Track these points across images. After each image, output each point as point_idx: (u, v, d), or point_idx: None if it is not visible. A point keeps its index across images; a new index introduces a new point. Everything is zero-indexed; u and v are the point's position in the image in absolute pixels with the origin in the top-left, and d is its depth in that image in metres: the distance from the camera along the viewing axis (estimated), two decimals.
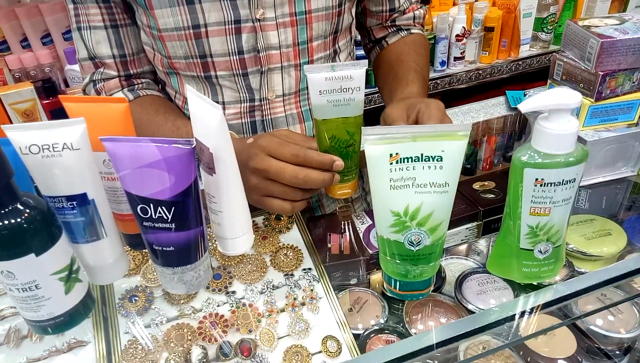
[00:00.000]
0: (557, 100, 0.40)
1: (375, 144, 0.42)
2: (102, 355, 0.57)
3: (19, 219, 0.41)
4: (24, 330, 0.58)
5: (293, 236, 0.70)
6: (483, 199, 0.77)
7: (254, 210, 0.61)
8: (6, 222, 0.41)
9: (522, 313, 0.49)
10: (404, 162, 0.42)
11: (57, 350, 0.57)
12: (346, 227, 0.74)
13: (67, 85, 1.54)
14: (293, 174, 0.58)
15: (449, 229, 0.79)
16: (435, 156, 0.42)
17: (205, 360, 0.57)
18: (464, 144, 0.42)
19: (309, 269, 0.67)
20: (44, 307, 0.45)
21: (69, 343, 0.57)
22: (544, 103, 0.41)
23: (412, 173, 0.42)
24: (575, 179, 0.44)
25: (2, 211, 0.40)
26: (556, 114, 0.41)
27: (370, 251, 0.72)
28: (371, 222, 0.78)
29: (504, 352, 0.61)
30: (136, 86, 0.80)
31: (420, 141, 0.42)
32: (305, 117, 0.82)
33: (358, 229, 0.75)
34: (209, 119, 0.45)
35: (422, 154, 0.42)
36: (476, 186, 0.80)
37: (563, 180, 0.43)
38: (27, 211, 0.42)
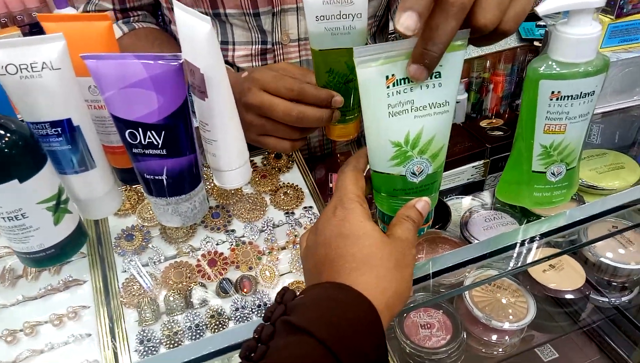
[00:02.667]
0: None
1: (368, 67, 0.38)
2: (99, 292, 0.56)
3: None
4: (19, 270, 0.56)
5: (293, 176, 0.68)
6: (490, 136, 0.74)
7: (253, 149, 0.58)
8: None
9: (526, 242, 0.47)
10: (400, 84, 0.38)
11: (53, 289, 0.55)
12: None
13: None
14: (286, 111, 0.54)
15: (454, 167, 0.77)
16: (433, 73, 0.38)
17: (205, 297, 0.56)
18: (463, 55, 0.38)
19: (310, 207, 0.65)
20: (32, 238, 0.43)
21: (65, 281, 0.56)
22: (564, 3, 0.37)
23: (410, 95, 0.38)
24: (594, 92, 0.41)
25: None
26: (577, 17, 0.38)
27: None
28: None
29: (511, 286, 0.60)
30: (131, 19, 0.76)
31: None
32: None
33: None
34: (197, 34, 0.41)
35: None
36: (483, 123, 0.77)
37: (581, 93, 0.40)
38: (8, 134, 0.39)
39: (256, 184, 0.66)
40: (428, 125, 0.38)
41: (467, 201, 0.72)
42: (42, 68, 0.41)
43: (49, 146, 0.45)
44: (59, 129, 0.44)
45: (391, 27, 0.82)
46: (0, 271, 0.56)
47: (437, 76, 0.37)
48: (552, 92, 0.40)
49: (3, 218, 0.41)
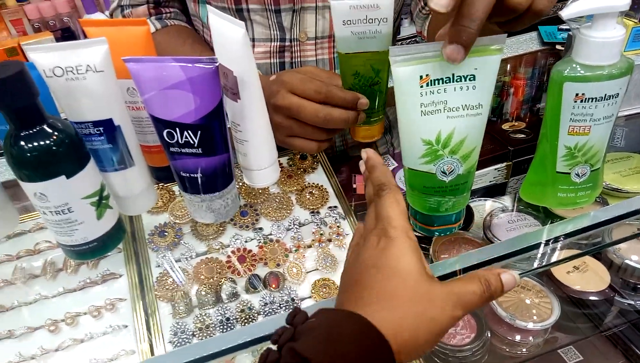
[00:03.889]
0: (603, 2, 0.37)
1: (404, 66, 0.39)
2: (135, 286, 0.58)
3: (48, 141, 0.41)
4: (59, 264, 0.59)
5: (318, 177, 0.70)
6: (513, 139, 0.75)
7: (279, 150, 0.60)
8: (36, 144, 0.41)
9: (550, 242, 0.48)
10: (434, 84, 0.40)
11: (91, 282, 0.58)
12: None
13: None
14: (314, 113, 0.56)
15: (476, 170, 0.77)
16: (467, 76, 0.39)
17: (235, 292, 0.58)
18: (498, 60, 0.39)
19: (335, 207, 0.66)
20: (77, 231, 0.46)
21: (102, 275, 0.59)
22: (589, 7, 0.38)
23: (443, 96, 0.40)
24: (618, 94, 0.41)
25: (31, 132, 0.41)
26: (601, 20, 0.39)
27: None
28: (397, 165, 0.77)
29: (535, 287, 0.61)
30: (164, 15, 0.79)
31: None
32: (337, 64, 0.80)
33: None
34: (231, 38, 0.43)
35: (453, 75, 0.40)
36: (505, 126, 0.78)
37: (605, 95, 0.41)
38: (56, 133, 0.42)
39: (282, 184, 0.68)
40: (460, 126, 0.39)
41: (489, 203, 0.73)
42: (87, 71, 0.44)
43: (91, 145, 0.47)
44: (101, 128, 0.46)
45: (401, 33, 0.83)
46: (42, 265, 0.59)
47: (472, 79, 0.38)
48: (577, 95, 0.41)
49: (51, 211, 0.43)
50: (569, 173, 0.46)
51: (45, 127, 0.41)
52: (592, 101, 0.41)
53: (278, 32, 0.74)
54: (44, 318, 0.56)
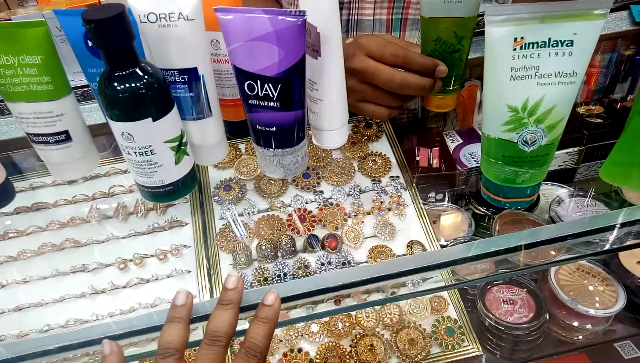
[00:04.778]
0: None
1: (499, 26, 0.38)
2: (198, 235, 0.61)
3: (139, 84, 0.43)
4: (131, 207, 0.62)
5: (382, 146, 0.70)
6: (589, 123, 0.71)
7: None
8: (128, 85, 0.43)
9: (625, 226, 0.46)
10: (528, 48, 0.38)
11: (159, 227, 0.61)
12: (436, 143, 0.72)
13: None
14: (390, 77, 0.55)
15: None
16: (565, 41, 0.38)
17: (293, 248, 0.59)
18: (601, 26, 0.37)
19: (397, 177, 0.66)
20: (156, 173, 0.48)
21: (170, 221, 0.61)
22: None
23: (536, 61, 0.38)
24: None
25: (125, 73, 0.42)
26: None
27: (460, 169, 0.70)
28: (461, 141, 0.76)
29: (600, 274, 0.58)
30: None
31: (549, 22, 0.38)
32: (394, 26, 0.78)
33: (448, 147, 0.73)
34: None
35: (549, 39, 0.38)
36: (582, 109, 0.74)
37: None
38: (147, 76, 0.43)
39: (346, 150, 0.68)
40: (550, 94, 0.38)
41: (556, 188, 0.70)
42: (179, 18, 0.45)
43: (175, 92, 0.49)
44: (185, 77, 0.48)
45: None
46: (115, 207, 0.62)
47: (569, 45, 0.37)
48: None
49: (135, 152, 0.46)
50: None
51: (137, 70, 0.43)
52: None
53: None
54: (114, 256, 0.59)
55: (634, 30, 0.77)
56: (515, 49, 0.38)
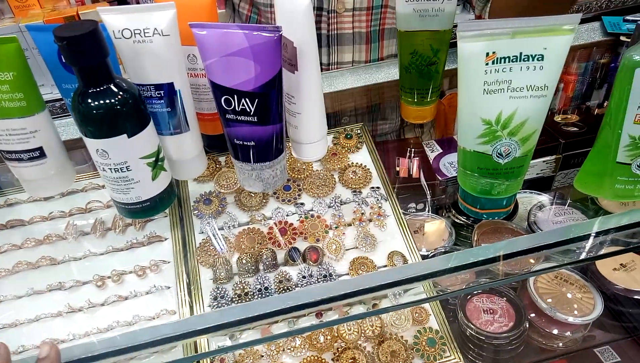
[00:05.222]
0: None
1: (471, 41, 0.39)
2: (178, 250, 0.60)
3: (113, 100, 0.42)
4: (109, 223, 0.61)
5: (362, 157, 0.70)
6: (565, 131, 0.73)
7: None
8: (102, 101, 0.42)
9: (600, 235, 0.47)
10: (500, 62, 0.39)
11: (138, 242, 0.60)
12: (415, 153, 0.73)
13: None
14: None
15: None
16: (536, 55, 0.38)
17: (274, 262, 0.59)
18: (570, 40, 0.38)
19: (377, 188, 0.66)
20: (133, 190, 0.47)
21: (148, 236, 0.61)
22: None
23: (508, 75, 0.39)
24: None
25: (99, 90, 0.42)
26: None
27: (440, 178, 0.70)
28: (441, 151, 0.76)
29: (578, 282, 0.59)
30: None
31: (519, 37, 0.39)
32: (373, 38, 0.79)
33: (428, 157, 0.74)
34: (296, 7, 0.44)
35: (520, 53, 0.39)
36: (558, 118, 0.76)
37: None
38: (121, 92, 0.43)
39: (326, 161, 0.68)
40: (522, 107, 0.39)
41: (534, 196, 0.71)
42: (153, 34, 0.45)
43: (151, 108, 0.48)
44: (161, 92, 0.47)
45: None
46: (92, 223, 0.61)
47: (540, 59, 0.37)
48: None
49: (111, 169, 0.45)
50: (630, 164, 0.44)
51: (112, 86, 0.43)
52: None
53: (315, 2, 0.74)
54: (92, 273, 0.58)
55: (607, 40, 0.79)
56: (487, 64, 0.38)
